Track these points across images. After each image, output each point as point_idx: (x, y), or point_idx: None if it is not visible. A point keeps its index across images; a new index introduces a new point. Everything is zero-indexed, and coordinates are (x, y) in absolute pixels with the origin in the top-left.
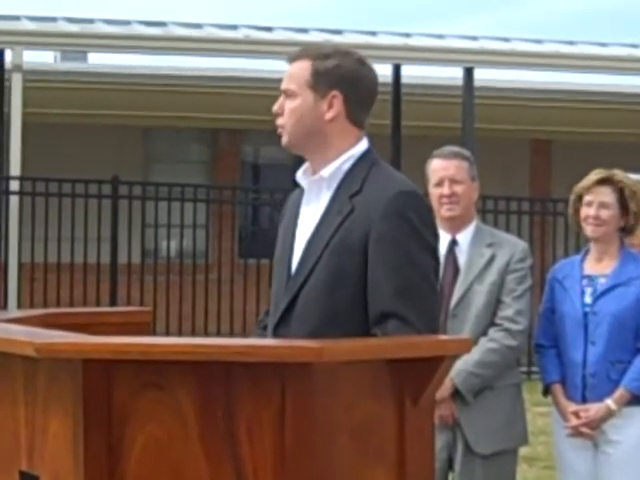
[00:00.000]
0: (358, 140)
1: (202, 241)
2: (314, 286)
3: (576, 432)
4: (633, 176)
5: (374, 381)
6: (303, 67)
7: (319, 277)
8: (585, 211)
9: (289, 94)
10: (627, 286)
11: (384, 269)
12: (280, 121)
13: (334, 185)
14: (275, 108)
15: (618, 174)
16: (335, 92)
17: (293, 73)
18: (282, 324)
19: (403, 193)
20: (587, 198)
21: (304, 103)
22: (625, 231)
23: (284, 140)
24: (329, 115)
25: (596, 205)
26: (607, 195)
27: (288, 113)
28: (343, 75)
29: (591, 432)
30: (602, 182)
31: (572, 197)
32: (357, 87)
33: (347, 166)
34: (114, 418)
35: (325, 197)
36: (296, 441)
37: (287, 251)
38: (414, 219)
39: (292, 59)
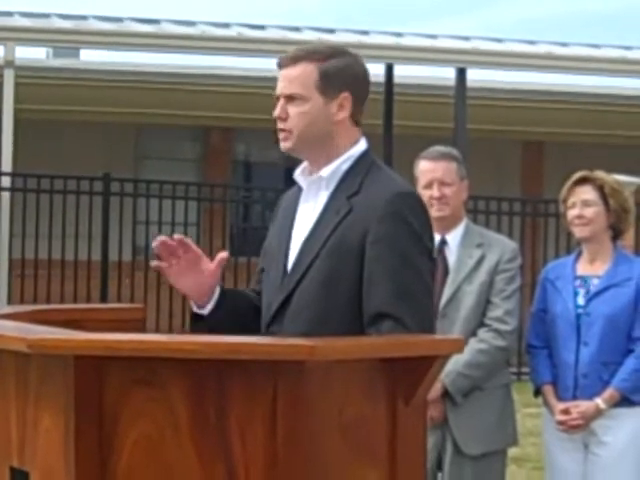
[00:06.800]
0: (357, 140)
1: (193, 239)
2: (309, 285)
3: (566, 427)
4: (622, 178)
5: (367, 380)
6: (308, 70)
7: (314, 277)
8: (570, 213)
9: (296, 98)
10: (620, 287)
11: (380, 270)
12: (283, 126)
13: (333, 185)
14: (277, 113)
15: (597, 173)
16: (346, 94)
17: (297, 77)
18: (275, 322)
19: (401, 195)
20: (570, 200)
21: (314, 107)
22: (614, 232)
23: (287, 145)
24: (339, 117)
25: (579, 205)
26: (588, 193)
27: (296, 117)
28: (352, 76)
29: (580, 426)
30: (582, 182)
31: (560, 204)
32: (362, 87)
33: (346, 166)
34: (105, 414)
35: (323, 196)
36: (288, 439)
37: (283, 248)
38: (412, 221)
39: (289, 62)
